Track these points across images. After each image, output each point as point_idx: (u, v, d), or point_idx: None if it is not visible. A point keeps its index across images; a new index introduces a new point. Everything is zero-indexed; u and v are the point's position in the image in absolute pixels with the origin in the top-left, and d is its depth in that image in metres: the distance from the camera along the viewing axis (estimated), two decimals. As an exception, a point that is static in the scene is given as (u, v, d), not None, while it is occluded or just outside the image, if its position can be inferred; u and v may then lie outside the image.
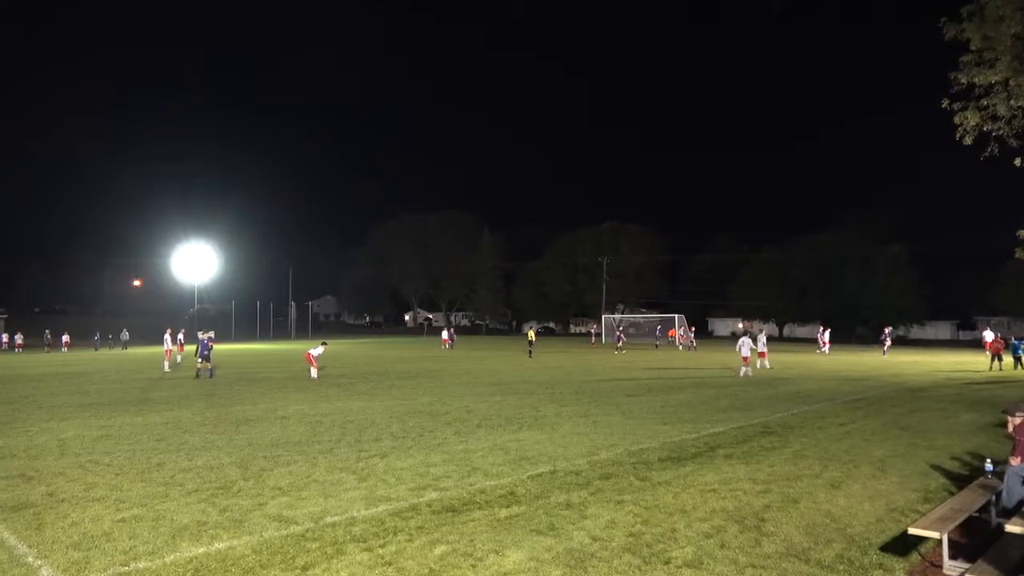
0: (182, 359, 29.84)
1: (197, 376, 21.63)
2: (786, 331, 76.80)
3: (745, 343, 23.09)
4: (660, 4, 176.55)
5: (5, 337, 52.79)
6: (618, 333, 44.56)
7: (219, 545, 5.67)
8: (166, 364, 25.81)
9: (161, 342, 27.57)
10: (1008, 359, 27.00)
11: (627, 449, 9.76)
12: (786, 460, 8.98)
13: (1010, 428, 6.46)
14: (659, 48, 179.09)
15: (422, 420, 12.59)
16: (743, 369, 22.89)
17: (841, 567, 5.22)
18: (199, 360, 22.26)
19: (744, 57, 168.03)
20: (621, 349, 41.13)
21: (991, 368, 25.98)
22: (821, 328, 42.78)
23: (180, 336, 31.87)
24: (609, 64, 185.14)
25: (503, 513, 6.55)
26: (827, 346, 39.82)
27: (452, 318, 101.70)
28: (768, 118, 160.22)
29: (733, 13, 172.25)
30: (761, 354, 25.40)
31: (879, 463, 8.80)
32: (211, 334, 24.66)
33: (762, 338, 25.99)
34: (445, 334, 50.62)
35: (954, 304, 72.07)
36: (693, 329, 49.29)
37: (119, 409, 14.34)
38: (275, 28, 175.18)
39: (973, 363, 29.96)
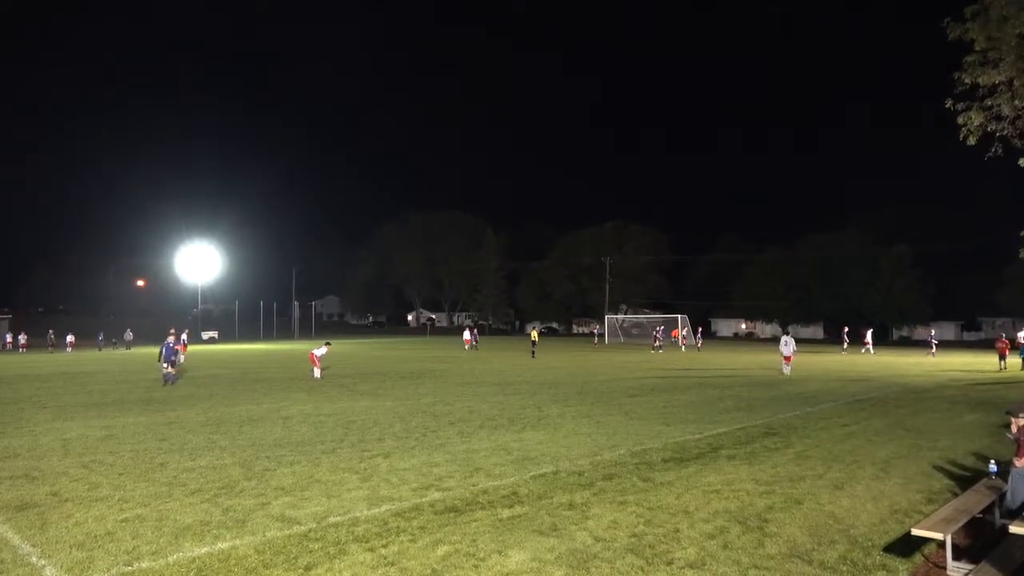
0: (185, 359, 29.92)
1: (165, 382, 19.29)
2: (788, 332, 76.68)
3: (789, 342, 24.09)
4: (662, 3, 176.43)
5: (9, 337, 52.94)
6: (655, 333, 44.86)
7: (222, 545, 5.68)
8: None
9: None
10: (1013, 360, 26.97)
11: (630, 450, 9.76)
12: (789, 461, 8.97)
13: (1014, 429, 6.45)
14: (661, 47, 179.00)
15: (425, 420, 12.60)
16: (785, 367, 23.69)
17: (844, 568, 5.21)
18: (164, 365, 19.71)
19: (744, 58, 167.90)
20: (659, 348, 41.86)
21: (1001, 368, 26.08)
22: (846, 330, 44.17)
23: (184, 336, 32.06)
24: (611, 63, 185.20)
25: (506, 513, 6.55)
26: (869, 346, 40.12)
27: (455, 318, 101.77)
28: (769, 118, 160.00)
29: (733, 13, 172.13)
30: (784, 358, 24.94)
31: (882, 464, 8.78)
32: (173, 336, 21.59)
33: (786, 339, 25.55)
34: (467, 334, 46.06)
35: (958, 305, 71.90)
36: (700, 329, 49.15)
37: (122, 409, 14.38)
38: (275, 28, 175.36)
39: (977, 364, 29.89)
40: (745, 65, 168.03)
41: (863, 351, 39.78)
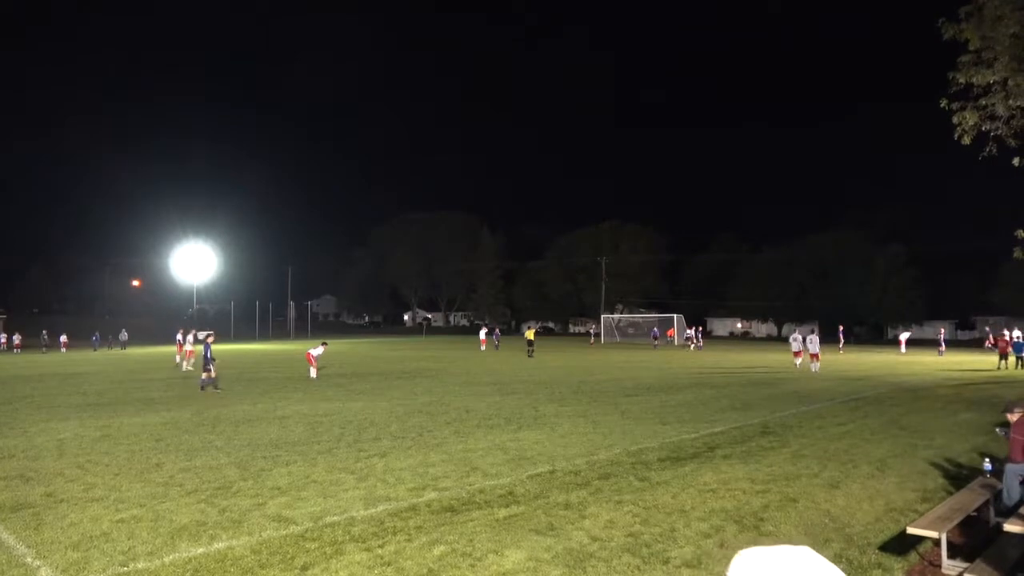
0: (181, 359, 29.83)
1: (203, 388, 17.52)
2: (785, 331, 76.84)
3: (814, 340, 24.16)
4: (662, 4, 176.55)
5: (3, 337, 52.69)
6: (690, 333, 44.88)
7: (218, 545, 5.67)
8: (184, 363, 26.17)
9: (172, 342, 27.79)
10: (1012, 359, 27.10)
11: (626, 449, 9.76)
12: (785, 460, 8.98)
13: (1012, 419, 6.52)
14: (660, 48, 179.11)
15: (421, 420, 12.59)
16: (813, 364, 23.80)
17: (840, 567, 5.19)
18: (208, 369, 17.70)
19: (743, 58, 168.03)
20: (693, 345, 42.93)
21: (1002, 367, 26.18)
22: (841, 328, 44.14)
23: (179, 336, 31.96)
24: (609, 63, 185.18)
25: (502, 513, 6.55)
26: (903, 345, 40.14)
27: (451, 317, 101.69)
28: (768, 118, 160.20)
29: (732, 16, 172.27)
30: (811, 355, 24.61)
31: (878, 463, 8.80)
32: (212, 336, 19.95)
33: (811, 337, 25.40)
34: (483, 334, 42.47)
35: (953, 304, 72.14)
36: (700, 329, 49.07)
37: (118, 409, 14.33)
38: (275, 28, 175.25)
39: (974, 362, 29.99)
40: (743, 65, 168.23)
41: (902, 351, 39.56)
